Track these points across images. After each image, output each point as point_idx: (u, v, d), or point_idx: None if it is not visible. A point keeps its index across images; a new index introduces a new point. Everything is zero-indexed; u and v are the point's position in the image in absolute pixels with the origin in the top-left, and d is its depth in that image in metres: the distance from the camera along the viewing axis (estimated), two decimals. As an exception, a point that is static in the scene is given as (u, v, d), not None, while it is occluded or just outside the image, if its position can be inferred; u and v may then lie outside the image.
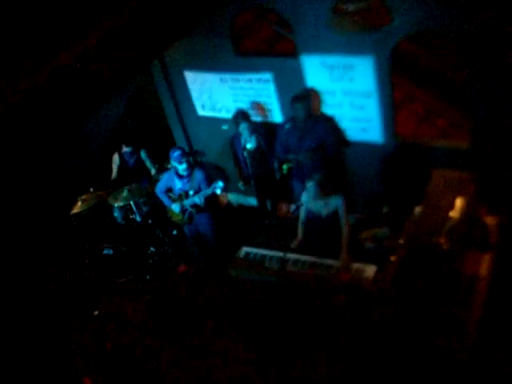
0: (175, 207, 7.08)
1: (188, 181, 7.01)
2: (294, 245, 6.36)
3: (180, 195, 7.07)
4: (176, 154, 6.82)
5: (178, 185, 7.05)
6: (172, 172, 7.09)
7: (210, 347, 6.22)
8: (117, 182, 8.20)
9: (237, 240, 7.60)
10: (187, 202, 7.01)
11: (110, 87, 5.02)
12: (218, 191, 6.82)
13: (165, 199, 7.20)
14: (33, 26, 3.91)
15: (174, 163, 6.93)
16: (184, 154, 6.87)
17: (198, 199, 6.89)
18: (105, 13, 4.47)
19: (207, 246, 7.47)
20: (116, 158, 8.28)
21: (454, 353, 4.52)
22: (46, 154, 4.73)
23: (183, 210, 7.08)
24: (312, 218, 6.32)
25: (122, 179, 8.22)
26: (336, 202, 6.13)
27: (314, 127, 6.83)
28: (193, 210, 7.07)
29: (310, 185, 6.01)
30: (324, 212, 6.24)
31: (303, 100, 6.74)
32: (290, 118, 7.02)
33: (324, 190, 6.00)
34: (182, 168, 6.89)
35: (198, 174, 6.99)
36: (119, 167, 8.29)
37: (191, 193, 6.98)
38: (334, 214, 6.18)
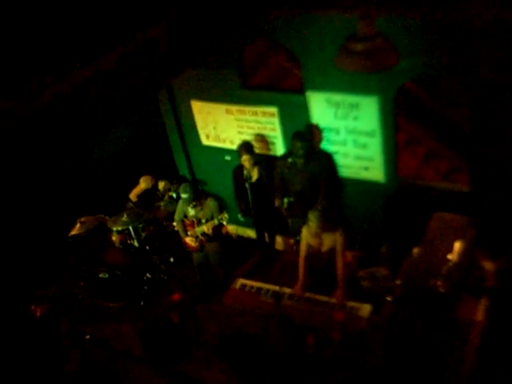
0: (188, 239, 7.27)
1: (201, 209, 7.08)
2: (295, 290, 6.32)
3: (192, 222, 7.15)
4: (185, 184, 7.05)
5: (191, 212, 7.12)
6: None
7: (201, 378, 6.15)
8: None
9: (233, 271, 7.60)
10: (198, 230, 7.10)
11: (116, 112, 5.06)
12: (225, 222, 7.04)
13: (181, 230, 7.32)
14: (45, 47, 3.96)
15: (180, 190, 7.07)
16: (191, 188, 7.02)
17: (206, 228, 7.05)
18: (117, 41, 4.54)
19: (212, 274, 7.47)
20: (148, 182, 8.22)
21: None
22: (49, 174, 4.75)
23: (195, 237, 7.19)
24: (312, 253, 6.30)
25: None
26: (336, 238, 6.12)
27: (308, 163, 6.81)
28: (203, 238, 7.16)
29: (310, 215, 6.00)
30: (323, 247, 6.22)
31: (303, 139, 6.73)
32: (289, 153, 7.04)
33: (324, 223, 5.98)
34: (185, 196, 6.98)
35: (211, 203, 7.10)
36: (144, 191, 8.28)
37: (203, 221, 7.08)
38: (333, 250, 6.16)
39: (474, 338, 4.76)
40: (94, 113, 4.60)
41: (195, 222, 7.15)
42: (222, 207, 7.53)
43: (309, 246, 6.28)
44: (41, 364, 6.52)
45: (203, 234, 7.14)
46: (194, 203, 7.02)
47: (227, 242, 8.67)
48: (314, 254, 6.29)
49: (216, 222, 6.99)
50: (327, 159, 7.10)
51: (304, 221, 6.21)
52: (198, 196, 7.14)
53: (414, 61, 5.73)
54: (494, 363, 4.68)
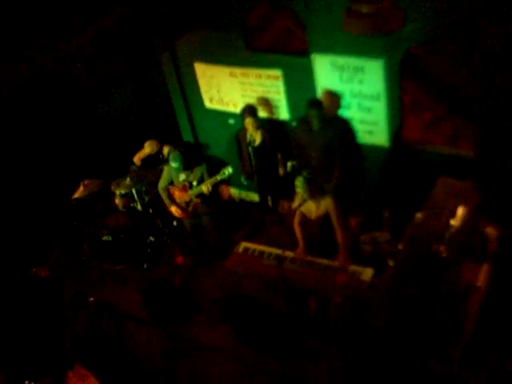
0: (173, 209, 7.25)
1: (191, 172, 7.03)
2: (297, 254, 6.33)
3: (184, 186, 7.08)
4: (175, 154, 6.97)
5: (182, 176, 7.07)
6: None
7: (203, 341, 6.22)
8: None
9: (236, 234, 7.62)
10: (192, 193, 7.02)
11: (120, 73, 5.02)
12: (227, 176, 6.85)
13: (166, 198, 7.27)
14: (46, 9, 3.91)
15: (170, 159, 7.04)
16: (181, 158, 6.96)
17: (205, 188, 6.91)
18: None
19: (206, 238, 7.47)
20: (153, 146, 8.15)
21: (447, 359, 4.52)
22: (51, 137, 4.74)
23: (187, 202, 7.11)
24: (308, 220, 6.31)
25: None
26: (326, 204, 6.10)
27: (325, 128, 6.69)
28: (197, 201, 7.11)
29: (296, 182, 5.98)
30: (313, 214, 6.21)
31: (319, 107, 6.60)
32: (303, 118, 6.91)
33: (311, 189, 5.96)
34: (175, 165, 6.98)
35: (202, 165, 7.07)
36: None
37: (195, 183, 7.01)
38: (327, 216, 6.15)
39: (475, 302, 4.79)
40: (95, 75, 4.56)
41: (187, 186, 7.11)
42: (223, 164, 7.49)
43: (302, 213, 6.28)
44: (45, 326, 6.61)
45: (198, 195, 7.08)
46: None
47: (230, 205, 8.69)
48: (309, 220, 6.30)
49: (218, 178, 6.85)
50: (343, 126, 6.94)
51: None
52: (190, 164, 7.07)
53: (420, 24, 5.64)
54: (495, 328, 4.71)
